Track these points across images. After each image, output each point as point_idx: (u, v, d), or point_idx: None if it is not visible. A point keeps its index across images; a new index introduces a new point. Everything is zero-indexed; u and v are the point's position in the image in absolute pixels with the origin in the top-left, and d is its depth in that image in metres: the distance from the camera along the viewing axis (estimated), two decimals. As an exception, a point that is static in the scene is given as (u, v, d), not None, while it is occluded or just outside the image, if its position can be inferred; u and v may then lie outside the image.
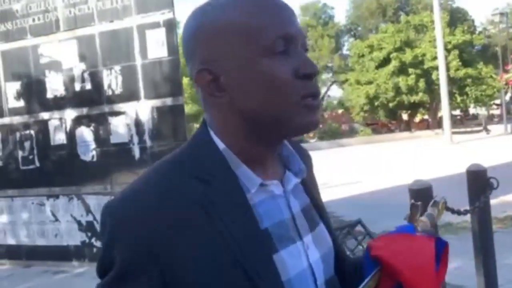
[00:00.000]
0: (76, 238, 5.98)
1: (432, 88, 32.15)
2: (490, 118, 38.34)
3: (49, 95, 6.07)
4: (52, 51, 6.03)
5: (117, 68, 5.67)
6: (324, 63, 40.33)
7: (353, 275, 0.89)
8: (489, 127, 29.47)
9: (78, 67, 5.88)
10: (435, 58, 28.17)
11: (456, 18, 34.99)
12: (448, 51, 29.73)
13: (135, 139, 5.64)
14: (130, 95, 5.65)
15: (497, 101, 37.69)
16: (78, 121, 5.94)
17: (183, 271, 0.69)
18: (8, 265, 6.35)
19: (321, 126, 39.76)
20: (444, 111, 24.51)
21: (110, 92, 5.75)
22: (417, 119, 40.67)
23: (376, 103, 34.28)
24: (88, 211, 5.87)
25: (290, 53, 0.75)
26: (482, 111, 34.88)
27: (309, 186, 0.90)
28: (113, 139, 5.76)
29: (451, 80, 29.20)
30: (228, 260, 0.70)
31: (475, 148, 18.09)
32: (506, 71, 31.49)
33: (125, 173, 5.45)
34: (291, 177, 0.83)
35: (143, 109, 5.59)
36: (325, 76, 44.24)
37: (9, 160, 6.36)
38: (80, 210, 5.94)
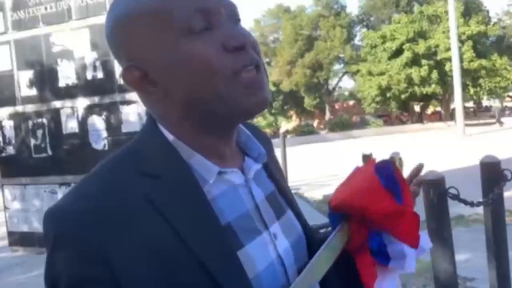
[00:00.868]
0: (87, 226, 6.03)
1: (445, 80, 31.85)
2: (504, 111, 37.93)
3: (61, 83, 6.10)
4: (64, 39, 6.05)
5: (129, 57, 5.68)
6: (335, 54, 40.07)
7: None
8: (502, 119, 29.17)
9: (90, 56, 5.90)
10: (448, 49, 27.86)
11: (471, 9, 34.50)
12: (462, 42, 29.39)
13: (146, 128, 5.65)
14: (141, 84, 5.66)
15: (511, 93, 37.24)
16: (90, 109, 5.97)
17: (138, 277, 0.63)
18: (21, 251, 6.44)
19: (331, 117, 39.66)
20: (457, 103, 24.28)
21: (121, 81, 5.77)
22: (430, 111, 40.37)
23: (388, 95, 34.05)
24: (100, 199, 5.92)
25: (214, 27, 0.69)
26: (495, 103, 34.50)
27: (272, 171, 0.85)
28: (125, 128, 5.78)
29: (464, 72, 28.88)
30: (187, 261, 0.64)
31: (488, 140, 17.91)
32: (521, 63, 31.08)
33: (136, 162, 5.48)
34: (251, 164, 0.79)
35: (154, 98, 5.59)
36: (336, 66, 43.99)
37: (21, 148, 6.42)
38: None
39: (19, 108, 6.40)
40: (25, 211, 6.43)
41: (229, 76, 0.68)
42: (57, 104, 6.17)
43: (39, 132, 6.30)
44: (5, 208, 6.58)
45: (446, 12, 28.10)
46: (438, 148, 16.62)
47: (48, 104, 6.23)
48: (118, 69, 5.77)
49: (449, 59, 27.76)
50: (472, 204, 2.69)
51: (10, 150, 6.50)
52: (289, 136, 25.35)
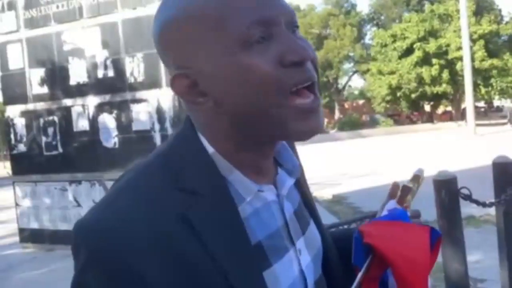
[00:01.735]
0: (97, 223, 6.07)
1: (456, 79, 31.62)
2: (515, 111, 37.53)
3: (72, 81, 6.14)
4: (75, 38, 6.09)
5: (140, 55, 5.70)
6: (345, 53, 39.96)
7: (336, 248, 0.87)
8: (514, 119, 28.89)
9: (101, 54, 5.93)
10: (459, 48, 27.66)
11: (483, 7, 34.22)
12: (473, 41, 29.15)
13: (157, 127, 5.67)
14: (152, 82, 5.68)
15: (523, 93, 36.86)
16: (101, 108, 6.00)
17: None
18: (32, 248, 6.49)
19: (341, 116, 39.58)
20: (468, 103, 24.10)
21: (132, 80, 5.79)
22: (440, 110, 40.11)
23: (398, 94, 33.90)
24: (110, 197, 5.94)
25: (272, 38, 0.65)
26: (507, 103, 34.20)
27: (301, 183, 0.83)
28: (135, 126, 5.81)
29: (475, 71, 28.66)
30: (215, 279, 0.64)
31: (500, 140, 17.76)
32: (533, 62, 30.77)
33: (146, 160, 5.50)
34: (285, 178, 0.76)
35: (164, 96, 5.61)
36: (346, 65, 43.87)
37: (33, 146, 6.48)
38: (102, 196, 6.00)
39: (31, 106, 6.45)
40: (36, 208, 6.48)
41: (284, 95, 0.65)
42: (68, 102, 6.21)
43: (50, 130, 6.34)
44: (16, 205, 6.64)
45: (458, 11, 27.91)
46: (449, 148, 16.51)
47: (59, 102, 6.27)
48: (128, 67, 5.79)
49: (460, 59, 27.55)
50: (484, 205, 2.66)
51: (21, 147, 6.56)
52: (299, 135, 25.26)
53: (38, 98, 6.38)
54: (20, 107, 6.52)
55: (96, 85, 6.01)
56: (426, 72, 31.82)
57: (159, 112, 5.66)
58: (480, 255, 4.27)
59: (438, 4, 35.21)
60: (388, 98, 34.60)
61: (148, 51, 5.65)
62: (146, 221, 0.62)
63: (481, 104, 40.67)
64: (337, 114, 41.37)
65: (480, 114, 35.23)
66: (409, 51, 32.90)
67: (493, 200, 2.88)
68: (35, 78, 6.40)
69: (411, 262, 0.75)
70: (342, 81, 45.21)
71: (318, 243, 0.82)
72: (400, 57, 33.42)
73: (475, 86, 28.59)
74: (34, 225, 6.51)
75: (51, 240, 6.38)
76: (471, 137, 21.77)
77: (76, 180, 6.18)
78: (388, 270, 0.81)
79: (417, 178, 0.90)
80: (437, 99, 35.53)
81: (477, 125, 24.26)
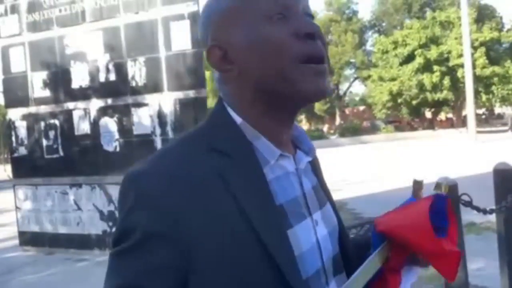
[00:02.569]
0: (97, 227, 6.07)
1: (457, 86, 31.66)
2: (516, 118, 37.51)
3: (74, 85, 6.16)
4: (77, 41, 6.11)
5: (142, 59, 5.72)
6: (347, 59, 40.01)
7: (355, 254, 0.91)
8: (515, 127, 28.88)
9: (103, 58, 5.95)
10: (461, 55, 27.71)
11: (484, 15, 34.30)
12: (474, 48, 29.21)
13: (158, 131, 5.68)
14: (153, 86, 5.69)
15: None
16: (102, 111, 6.01)
17: (202, 240, 0.70)
18: (32, 251, 6.49)
19: (342, 122, 39.56)
20: (469, 110, 24.11)
21: (134, 84, 5.80)
22: (441, 117, 40.11)
23: (399, 100, 33.93)
24: (110, 201, 5.95)
25: (290, 17, 0.78)
26: (508, 111, 34.20)
27: (316, 167, 0.93)
28: (136, 130, 5.81)
29: (477, 78, 28.71)
30: (246, 232, 0.71)
31: (500, 147, 17.75)
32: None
33: (147, 164, 5.49)
34: (302, 156, 0.86)
35: (166, 101, 5.62)
36: (347, 72, 43.90)
37: (34, 149, 6.48)
38: (102, 200, 6.02)
39: (32, 109, 6.46)
40: (37, 211, 6.48)
41: (297, 60, 0.76)
42: (69, 105, 6.22)
43: (52, 133, 6.35)
44: (17, 208, 6.64)
45: (459, 18, 27.96)
46: (450, 155, 16.51)
47: (60, 105, 6.28)
48: (130, 71, 5.81)
49: (461, 66, 27.59)
50: (485, 212, 2.66)
51: (23, 150, 6.57)
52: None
53: (40, 101, 6.39)
54: (22, 110, 6.53)
55: (98, 89, 6.03)
56: (427, 79, 31.86)
57: (161, 116, 5.66)
58: (481, 262, 4.26)
59: (439, 11, 35.31)
60: (389, 104, 34.62)
61: (150, 55, 5.67)
62: (188, 172, 0.73)
63: (482, 111, 40.66)
64: (338, 120, 41.37)
65: (481, 121, 35.23)
66: (410, 57, 32.96)
67: (493, 207, 2.88)
68: (37, 82, 6.41)
69: (411, 228, 0.81)
70: (343, 87, 45.27)
71: (334, 222, 0.89)
72: (401, 64, 33.48)
73: (476, 93, 28.61)
74: (35, 228, 6.50)
75: (51, 243, 6.38)
76: (472, 144, 21.75)
77: (76, 183, 6.18)
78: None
79: (439, 185, 0.94)
80: (438, 105, 35.57)
81: (478, 132, 24.26)
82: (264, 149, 0.79)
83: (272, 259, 0.72)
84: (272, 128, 0.81)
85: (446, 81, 31.71)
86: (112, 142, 5.96)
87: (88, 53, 6.04)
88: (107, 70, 5.94)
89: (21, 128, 6.55)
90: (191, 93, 5.49)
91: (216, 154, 0.75)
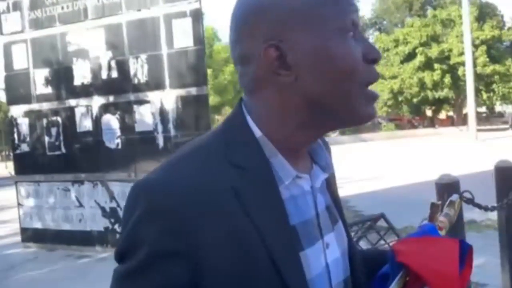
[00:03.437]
0: (99, 223, 6.09)
1: (457, 84, 31.64)
2: (517, 116, 37.48)
3: (76, 82, 6.17)
4: (80, 39, 6.12)
5: (143, 57, 5.73)
6: (348, 57, 39.96)
7: (364, 269, 0.89)
8: (515, 125, 28.87)
9: (105, 55, 5.96)
10: (462, 53, 27.69)
11: (485, 13, 34.24)
12: (475, 46, 29.18)
13: (160, 128, 5.69)
14: (155, 84, 5.70)
15: (525, 99, 36.82)
16: (104, 108, 6.02)
17: (214, 257, 0.67)
18: (34, 248, 6.51)
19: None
20: (470, 108, 24.11)
21: (136, 81, 5.81)
22: (442, 115, 40.09)
23: (400, 98, 33.91)
24: (112, 197, 5.97)
25: (357, 38, 0.74)
26: (508, 109, 34.19)
27: (331, 181, 0.88)
28: (138, 127, 5.83)
29: (477, 76, 28.68)
30: (258, 251, 0.68)
31: (501, 146, 17.76)
32: (536, 68, 30.76)
33: (149, 161, 5.51)
34: (319, 173, 0.81)
35: (168, 98, 5.64)
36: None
37: (36, 146, 6.50)
38: (104, 197, 6.04)
39: (34, 106, 6.47)
40: (39, 208, 6.50)
41: (363, 85, 0.74)
42: (72, 102, 6.23)
43: (54, 130, 6.36)
44: (19, 204, 6.66)
45: (460, 16, 27.93)
46: (451, 153, 16.51)
47: (62, 102, 6.30)
48: (132, 69, 5.82)
49: (462, 64, 27.57)
50: (486, 209, 2.67)
51: (25, 147, 6.58)
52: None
53: (42, 98, 6.40)
54: (24, 107, 6.54)
55: (100, 86, 6.04)
56: (428, 77, 31.84)
57: (162, 113, 5.68)
58: (482, 259, 4.28)
59: (440, 9, 35.26)
60: (389, 102, 34.60)
61: (152, 52, 5.68)
62: (204, 186, 0.68)
63: (483, 109, 40.64)
64: (338, 118, 41.37)
65: (481, 119, 35.19)
66: (411, 56, 32.93)
67: (495, 205, 2.89)
68: (39, 79, 6.43)
69: (442, 276, 0.78)
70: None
71: (345, 242, 0.86)
72: (402, 62, 33.45)
73: (477, 91, 28.60)
74: (37, 224, 6.52)
75: (53, 240, 6.40)
76: (472, 142, 21.75)
77: (78, 180, 6.20)
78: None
79: (452, 203, 0.94)
80: (438, 104, 35.55)
81: (479, 130, 24.25)
82: (280, 168, 0.74)
83: (284, 281, 0.69)
84: (293, 145, 0.77)
85: (447, 79, 31.69)
86: (114, 139, 5.98)
87: (90, 50, 6.05)
88: (109, 67, 5.95)
89: (23, 125, 6.56)
90: (193, 91, 5.50)
91: (232, 168, 0.71)
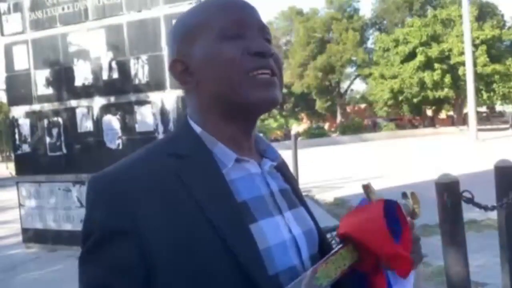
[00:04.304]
0: (100, 224, 6.09)
1: (458, 84, 31.63)
2: (517, 116, 37.46)
3: (77, 83, 6.18)
4: (80, 39, 6.13)
5: (144, 57, 5.74)
6: (348, 57, 39.96)
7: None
8: (516, 124, 28.85)
9: (106, 56, 5.97)
10: (462, 53, 27.68)
11: (485, 13, 34.25)
12: (475, 46, 29.17)
13: (160, 128, 5.71)
14: (156, 84, 5.72)
15: (525, 99, 36.79)
16: (105, 109, 6.04)
17: (162, 237, 0.73)
18: (35, 248, 6.52)
19: (343, 120, 39.52)
20: (470, 108, 24.10)
21: (136, 81, 5.83)
22: (442, 115, 40.08)
23: (400, 98, 33.89)
24: (113, 198, 5.97)
25: (245, 37, 0.84)
26: (509, 109, 34.17)
27: (288, 176, 0.95)
28: (139, 128, 5.84)
29: (478, 76, 28.67)
30: (204, 227, 0.74)
31: (501, 145, 17.75)
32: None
33: (150, 161, 5.52)
34: (267, 161, 0.89)
35: (168, 98, 5.65)
36: (348, 70, 43.85)
37: (37, 146, 6.51)
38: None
39: (36, 107, 6.49)
40: (40, 208, 6.51)
41: (246, 73, 0.82)
42: (73, 103, 6.25)
43: (55, 131, 6.38)
44: (20, 205, 6.67)
45: (460, 16, 27.92)
46: (451, 153, 16.51)
47: (64, 103, 6.31)
48: (133, 69, 5.83)
49: (462, 63, 27.56)
50: (486, 208, 2.69)
51: (26, 148, 6.60)
52: (300, 139, 25.32)
53: (43, 99, 6.41)
54: (25, 108, 6.55)
55: (100, 87, 6.05)
56: (428, 77, 31.83)
57: (163, 113, 5.69)
58: (482, 259, 4.28)
59: (440, 9, 35.25)
60: (390, 102, 34.59)
61: (152, 53, 5.70)
62: (144, 172, 0.78)
63: (483, 109, 40.62)
64: (339, 118, 41.35)
65: (482, 119, 35.17)
66: (411, 55, 32.92)
67: (495, 204, 2.90)
68: (40, 79, 6.44)
69: (369, 232, 0.83)
70: (344, 85, 45.19)
71: (310, 224, 0.91)
72: (402, 62, 33.44)
73: (477, 91, 28.59)
74: (38, 225, 6.53)
75: (54, 240, 6.41)
76: (472, 141, 21.76)
77: (80, 180, 6.21)
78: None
79: (405, 195, 0.99)
80: (439, 103, 35.54)
81: (479, 130, 24.24)
82: (221, 154, 0.83)
83: (231, 252, 0.73)
84: (229, 134, 0.85)
85: (447, 79, 31.67)
86: (115, 140, 5.99)
87: (91, 51, 6.06)
88: (110, 68, 5.96)
89: (24, 125, 6.57)
90: (193, 91, 5.51)
91: (174, 157, 0.80)
